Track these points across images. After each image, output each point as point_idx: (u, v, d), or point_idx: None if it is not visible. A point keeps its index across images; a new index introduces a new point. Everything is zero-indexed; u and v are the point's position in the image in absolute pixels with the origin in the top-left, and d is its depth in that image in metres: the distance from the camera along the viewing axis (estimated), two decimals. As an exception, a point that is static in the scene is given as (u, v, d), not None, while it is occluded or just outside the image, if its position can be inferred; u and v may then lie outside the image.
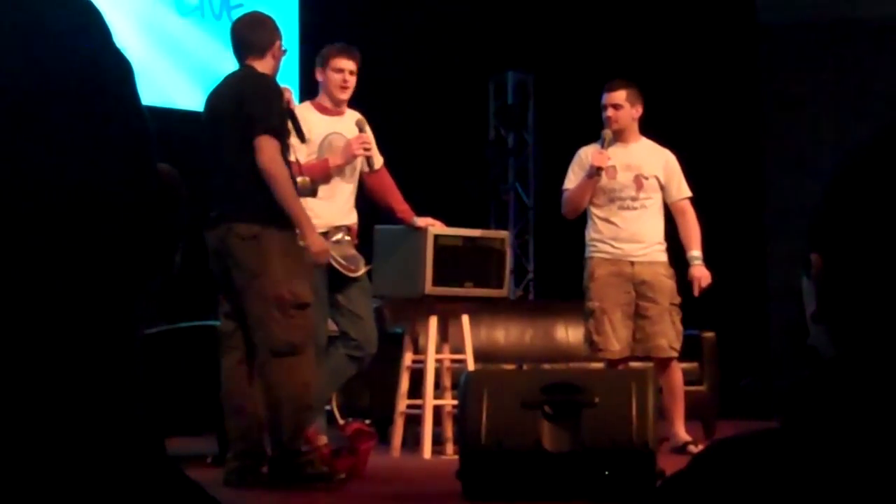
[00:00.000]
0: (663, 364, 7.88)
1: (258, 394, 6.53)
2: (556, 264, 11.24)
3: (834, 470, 1.03)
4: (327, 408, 8.21)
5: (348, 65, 7.45)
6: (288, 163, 6.58)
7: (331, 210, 7.33)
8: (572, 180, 7.93)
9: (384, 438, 8.34)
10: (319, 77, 7.54)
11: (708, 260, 8.00)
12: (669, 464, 5.88)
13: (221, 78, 6.80)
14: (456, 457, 6.64)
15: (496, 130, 12.79)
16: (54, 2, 0.97)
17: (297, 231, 6.56)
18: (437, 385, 8.23)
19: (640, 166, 7.90)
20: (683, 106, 11.30)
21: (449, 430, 8.18)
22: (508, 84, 12.71)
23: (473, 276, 8.02)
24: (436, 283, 7.83)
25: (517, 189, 12.77)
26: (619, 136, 7.91)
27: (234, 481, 6.43)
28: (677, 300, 7.92)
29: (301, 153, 7.09)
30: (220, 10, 10.53)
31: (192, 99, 9.91)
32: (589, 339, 7.97)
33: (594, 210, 7.92)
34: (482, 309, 8.77)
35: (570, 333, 9.85)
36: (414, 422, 8.22)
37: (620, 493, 5.83)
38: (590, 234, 7.96)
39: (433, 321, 8.13)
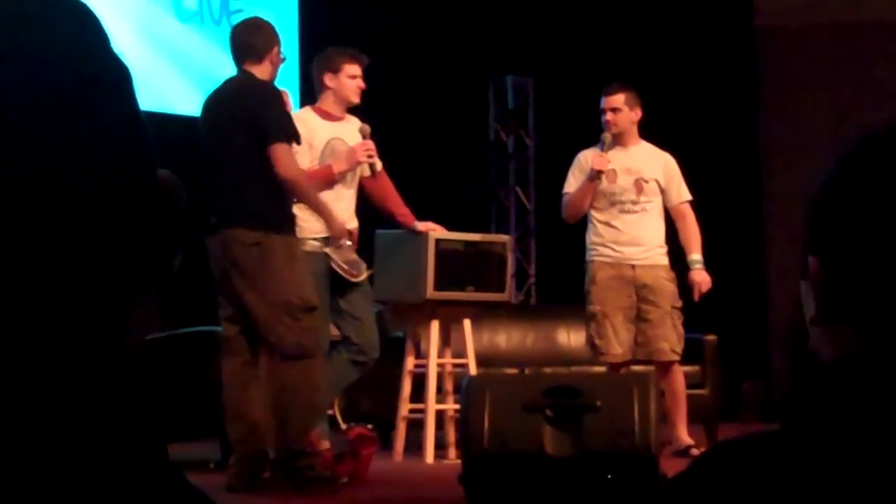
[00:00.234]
0: (665, 367, 7.88)
1: (261, 398, 6.52)
2: (557, 268, 11.23)
3: (834, 472, 1.03)
4: (329, 412, 8.22)
5: (359, 71, 7.49)
6: None
7: (332, 215, 7.33)
8: (572, 184, 7.93)
9: (386, 443, 8.34)
10: (331, 83, 7.48)
11: (708, 263, 8.00)
12: (671, 467, 5.88)
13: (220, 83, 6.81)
14: (458, 461, 6.64)
15: (496, 134, 12.79)
16: (52, 7, 0.97)
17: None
18: (439, 389, 8.23)
19: (640, 170, 7.90)
20: (682, 109, 11.30)
21: (451, 434, 8.18)
22: (508, 87, 12.70)
23: (475, 281, 8.02)
24: (437, 287, 7.83)
25: (518, 193, 12.77)
26: (618, 140, 7.91)
27: (236, 487, 6.42)
28: (679, 303, 7.92)
29: (303, 158, 7.09)
30: (220, 16, 10.54)
31: (191, 104, 9.89)
32: (590, 343, 7.97)
33: (594, 214, 7.92)
34: (484, 313, 8.77)
35: (571, 337, 9.85)
36: (416, 426, 8.21)
37: (622, 496, 5.83)
38: (590, 237, 7.95)
39: (435, 325, 8.13)
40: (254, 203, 6.45)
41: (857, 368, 1.09)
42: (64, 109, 0.94)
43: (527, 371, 8.48)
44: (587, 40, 11.82)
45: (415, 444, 8.20)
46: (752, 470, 1.05)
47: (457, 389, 7.90)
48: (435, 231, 7.88)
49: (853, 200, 1.12)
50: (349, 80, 7.45)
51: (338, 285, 7.33)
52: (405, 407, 8.19)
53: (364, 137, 7.42)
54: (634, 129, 7.98)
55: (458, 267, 7.92)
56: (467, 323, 8.27)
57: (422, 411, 8.08)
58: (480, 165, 12.51)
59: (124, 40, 9.26)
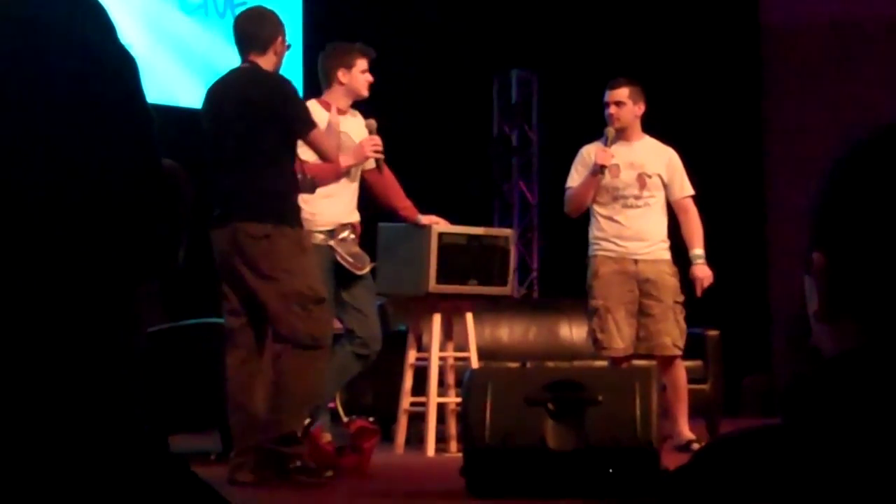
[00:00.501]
0: (667, 362, 7.88)
1: (263, 391, 6.51)
2: (560, 262, 11.24)
3: (835, 466, 1.03)
4: (331, 405, 8.22)
5: (368, 64, 7.51)
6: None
7: (336, 208, 7.33)
8: (575, 178, 7.92)
9: (388, 436, 8.34)
10: (343, 78, 7.47)
11: (711, 257, 8.00)
12: (673, 462, 5.88)
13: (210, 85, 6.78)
14: (459, 454, 6.64)
15: (500, 128, 12.79)
16: (59, -1, 0.97)
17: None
18: (441, 383, 8.23)
19: (643, 164, 7.90)
20: (686, 104, 11.30)
21: (452, 427, 8.18)
22: (512, 82, 12.70)
23: (477, 274, 8.02)
24: (439, 280, 7.83)
25: (521, 187, 12.76)
26: (621, 134, 7.91)
27: (237, 479, 6.42)
28: (681, 298, 7.92)
29: (309, 152, 7.08)
30: (224, 8, 10.53)
31: (196, 97, 9.89)
32: (593, 338, 7.97)
33: (597, 208, 7.91)
34: (486, 307, 8.77)
35: (573, 331, 9.85)
36: (417, 419, 8.22)
37: (624, 490, 5.83)
38: (593, 232, 7.95)
39: (437, 319, 8.13)
40: (264, 195, 6.41)
41: (860, 363, 1.09)
42: (70, 99, 0.95)
43: (529, 365, 8.48)
44: (591, 35, 11.82)
45: (416, 438, 8.21)
46: (753, 464, 1.05)
47: (458, 383, 7.90)
48: (438, 224, 7.88)
49: (859, 195, 1.12)
50: (361, 74, 7.48)
51: (341, 278, 7.33)
52: (407, 400, 8.20)
53: (371, 132, 7.42)
54: (638, 124, 7.98)
55: (460, 260, 7.92)
56: (469, 316, 8.27)
57: (423, 404, 8.09)
58: (484, 159, 12.51)
59: (129, 33, 9.26)
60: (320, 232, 7.21)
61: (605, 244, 7.89)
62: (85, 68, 0.96)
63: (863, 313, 1.12)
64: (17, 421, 0.92)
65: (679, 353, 7.94)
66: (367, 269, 7.46)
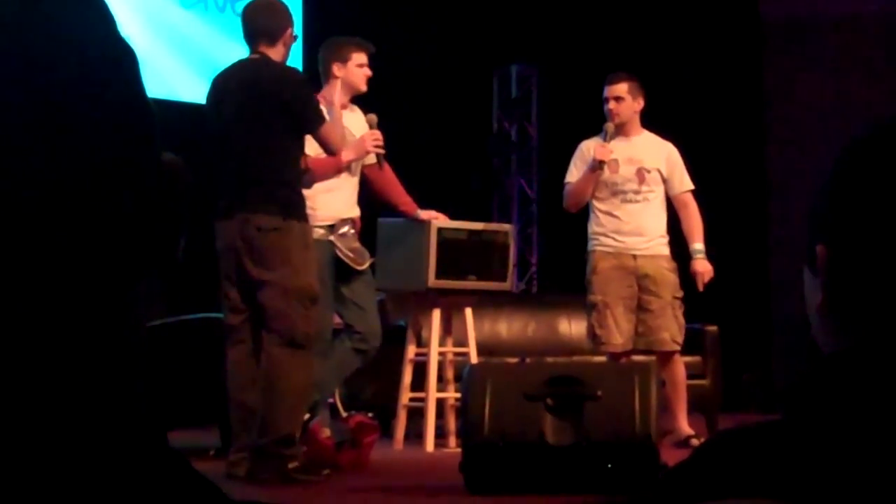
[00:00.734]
0: (666, 357, 7.88)
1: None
2: (559, 257, 11.24)
3: (836, 462, 1.03)
4: (331, 401, 8.22)
5: (366, 59, 7.48)
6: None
7: (336, 203, 7.32)
8: (574, 174, 7.92)
9: (387, 431, 8.35)
10: (339, 73, 7.45)
11: (710, 253, 8.00)
12: (672, 457, 5.88)
13: (214, 75, 6.72)
14: (458, 450, 6.64)
15: (500, 123, 12.79)
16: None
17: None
18: (440, 378, 8.24)
19: (642, 159, 7.90)
20: (686, 99, 11.30)
21: (452, 422, 8.19)
22: (512, 77, 12.70)
23: (476, 270, 8.02)
24: (439, 276, 7.83)
25: (521, 182, 12.77)
26: (620, 130, 7.90)
27: (237, 474, 6.41)
28: (680, 293, 7.92)
29: (312, 144, 7.06)
30: (224, 3, 10.54)
31: (195, 91, 9.90)
32: (591, 333, 7.97)
33: (596, 203, 7.91)
34: (485, 302, 8.77)
35: (572, 327, 9.85)
36: (417, 415, 8.22)
37: (623, 486, 5.83)
38: (592, 227, 7.95)
39: (436, 314, 8.13)
40: (275, 188, 6.36)
41: (862, 359, 1.09)
42: (69, 92, 0.94)
43: (528, 360, 8.48)
44: (591, 30, 11.82)
45: (415, 433, 8.21)
46: (754, 460, 1.05)
47: (457, 378, 7.90)
48: (437, 220, 7.88)
49: (861, 188, 1.12)
50: (357, 68, 7.44)
51: (341, 273, 7.33)
52: (406, 395, 8.20)
53: (372, 127, 7.41)
54: (637, 119, 7.98)
55: (459, 256, 7.92)
56: (469, 312, 8.27)
57: (422, 400, 8.09)
58: (483, 155, 12.51)
59: (129, 27, 9.26)
60: (320, 227, 7.19)
61: (603, 239, 7.89)
62: (83, 60, 0.95)
63: (866, 307, 1.11)
64: (16, 417, 0.91)
65: (678, 348, 7.94)
66: (366, 265, 7.46)
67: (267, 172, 6.37)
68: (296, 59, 9.49)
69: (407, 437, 8.22)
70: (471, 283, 8.04)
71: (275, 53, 6.55)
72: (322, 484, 6.40)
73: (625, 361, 7.82)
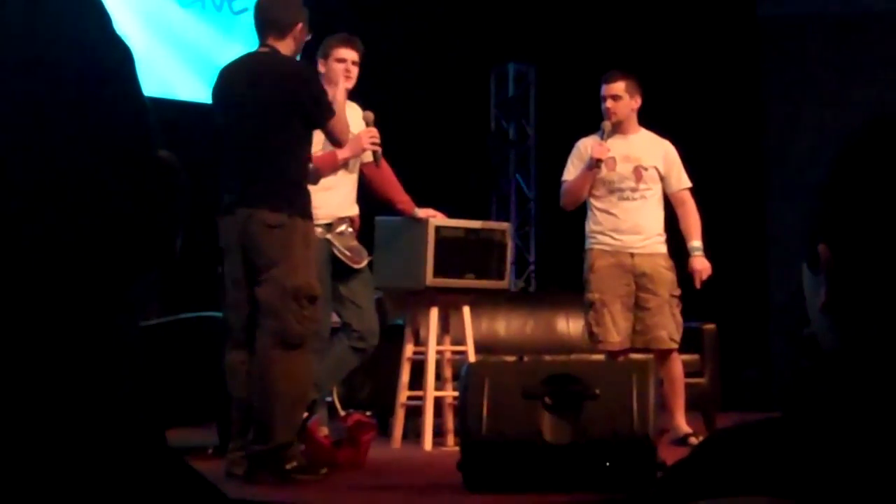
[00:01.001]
0: (663, 356, 7.88)
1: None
2: (557, 256, 11.24)
3: (835, 459, 1.03)
4: (328, 399, 8.22)
5: (350, 55, 7.39)
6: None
7: (334, 201, 7.31)
8: (571, 172, 7.93)
9: (385, 430, 8.35)
10: (322, 68, 7.40)
11: (708, 251, 8.00)
12: (670, 455, 5.89)
13: (221, 68, 6.68)
14: (457, 448, 6.64)
15: (497, 122, 12.79)
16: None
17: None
18: (438, 376, 8.24)
19: (640, 157, 7.90)
20: (683, 97, 11.30)
21: (450, 421, 8.18)
22: (510, 75, 12.71)
23: (474, 268, 8.02)
24: (437, 274, 7.83)
25: (518, 180, 12.77)
26: (618, 128, 7.91)
27: (236, 474, 6.40)
28: (677, 292, 7.92)
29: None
30: (221, 2, 10.53)
31: (192, 90, 9.91)
32: (588, 331, 7.97)
33: (594, 202, 7.92)
34: (483, 300, 8.77)
35: (570, 325, 9.86)
36: (415, 413, 8.22)
37: (621, 484, 5.83)
38: (590, 225, 7.95)
39: (434, 313, 8.13)
40: (281, 184, 6.31)
41: (862, 357, 1.09)
42: (65, 91, 0.94)
43: (526, 358, 8.47)
44: (589, 28, 11.82)
45: (413, 431, 8.21)
46: (753, 457, 1.05)
47: (455, 376, 7.91)
48: (435, 218, 7.88)
49: (861, 186, 1.12)
50: (336, 63, 7.36)
51: (339, 272, 7.32)
52: (404, 394, 8.20)
53: (368, 125, 7.39)
54: (634, 117, 7.98)
55: (457, 254, 7.92)
56: (466, 310, 8.27)
57: (420, 398, 8.09)
58: (481, 153, 12.51)
59: (126, 26, 9.26)
60: (318, 225, 7.18)
61: (601, 237, 7.89)
62: (79, 59, 0.95)
63: (870, 305, 1.11)
64: (13, 415, 0.91)
65: (675, 346, 7.94)
66: (364, 263, 7.46)
67: (272, 168, 6.32)
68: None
69: (405, 435, 8.22)
70: (469, 282, 8.04)
71: (284, 47, 6.46)
72: (320, 482, 6.40)
73: (623, 360, 7.82)
